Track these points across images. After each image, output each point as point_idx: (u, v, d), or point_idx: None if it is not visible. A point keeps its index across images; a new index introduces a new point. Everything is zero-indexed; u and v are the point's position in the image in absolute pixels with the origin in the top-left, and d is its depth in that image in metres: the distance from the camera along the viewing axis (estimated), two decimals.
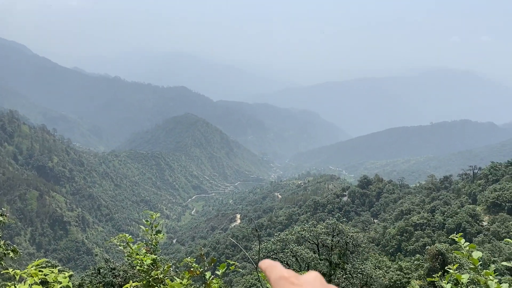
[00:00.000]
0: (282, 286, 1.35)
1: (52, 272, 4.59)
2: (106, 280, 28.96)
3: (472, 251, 5.70)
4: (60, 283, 4.60)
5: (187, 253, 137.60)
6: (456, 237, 6.26)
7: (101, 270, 30.08)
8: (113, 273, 29.41)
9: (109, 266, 30.30)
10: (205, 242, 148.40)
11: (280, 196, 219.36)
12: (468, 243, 5.98)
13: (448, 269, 7.06)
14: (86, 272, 34.63)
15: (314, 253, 35.08)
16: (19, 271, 4.86)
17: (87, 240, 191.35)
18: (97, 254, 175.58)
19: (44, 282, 4.77)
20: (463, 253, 5.98)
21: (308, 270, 32.95)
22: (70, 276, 5.20)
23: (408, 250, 77.96)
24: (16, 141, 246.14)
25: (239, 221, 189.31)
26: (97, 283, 28.48)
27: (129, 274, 28.59)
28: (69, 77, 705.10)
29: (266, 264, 1.52)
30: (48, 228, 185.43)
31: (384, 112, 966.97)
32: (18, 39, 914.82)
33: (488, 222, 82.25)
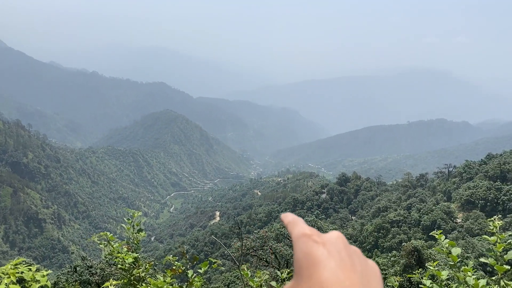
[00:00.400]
0: (305, 243, 1.29)
1: (30, 270, 4.46)
2: (82, 279, 28.47)
3: (451, 248, 5.81)
4: (38, 281, 4.48)
5: (165, 251, 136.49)
6: (437, 234, 6.37)
7: (78, 268, 29.54)
8: (90, 271, 28.90)
9: (86, 264, 29.77)
10: (184, 240, 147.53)
11: (259, 193, 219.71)
12: (448, 240, 6.09)
13: (427, 266, 7.17)
14: (62, 270, 33.98)
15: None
16: None
17: (63, 237, 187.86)
18: (73, 252, 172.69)
19: (21, 281, 4.63)
20: (443, 250, 6.07)
21: (287, 267, 33.13)
22: (47, 275, 5.08)
23: (384, 246, 79.18)
24: None
25: (218, 218, 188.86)
26: (73, 282, 27.95)
27: (106, 272, 28.13)
28: (45, 72, 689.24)
29: (289, 218, 1.43)
30: (22, 226, 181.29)
31: (362, 110, 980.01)
32: None
33: (462, 219, 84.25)
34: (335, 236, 1.36)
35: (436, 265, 6.87)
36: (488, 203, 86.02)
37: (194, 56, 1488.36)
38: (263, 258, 33.26)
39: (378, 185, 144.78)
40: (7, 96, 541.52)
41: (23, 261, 4.43)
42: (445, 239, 6.28)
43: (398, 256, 53.05)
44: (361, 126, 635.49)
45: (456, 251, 5.74)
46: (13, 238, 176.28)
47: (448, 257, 5.85)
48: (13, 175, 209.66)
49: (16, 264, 4.46)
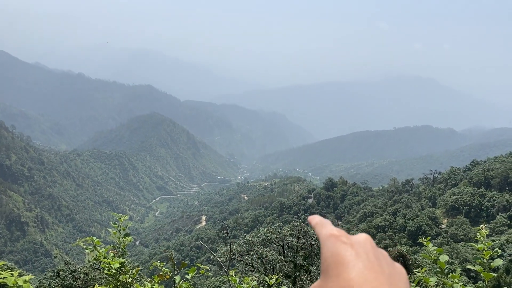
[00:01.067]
0: (333, 243, 1.33)
1: (12, 275, 4.38)
2: (65, 283, 27.93)
3: (439, 255, 5.82)
4: (21, 287, 4.40)
5: (150, 255, 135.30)
6: (425, 241, 6.38)
7: (61, 273, 29.01)
8: (73, 275, 28.40)
9: (69, 268, 29.26)
10: (169, 244, 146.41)
11: (246, 198, 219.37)
12: (436, 247, 6.10)
13: (416, 273, 7.16)
14: (45, 275, 33.34)
15: (280, 255, 35.16)
16: None
17: (46, 241, 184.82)
18: (56, 256, 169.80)
19: (2, 286, 4.52)
20: (431, 256, 6.08)
21: (273, 272, 33.05)
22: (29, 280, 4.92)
23: None
24: None
25: (204, 223, 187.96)
26: (56, 286, 27.42)
27: (90, 277, 27.71)
28: (30, 73, 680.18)
29: (317, 220, 1.48)
30: (4, 229, 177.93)
31: (349, 115, 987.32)
32: None
33: (447, 225, 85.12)
34: (363, 238, 1.41)
35: (424, 271, 6.89)
36: (473, 209, 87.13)
37: (181, 59, 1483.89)
38: (250, 263, 33.11)
39: (364, 191, 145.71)
40: None
41: (4, 264, 4.39)
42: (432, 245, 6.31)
43: None
44: (348, 132, 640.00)
45: (444, 258, 5.76)
46: None
47: (434, 263, 5.87)
48: None
49: None
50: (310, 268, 34.23)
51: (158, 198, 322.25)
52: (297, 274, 34.05)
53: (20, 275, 4.46)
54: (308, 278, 32.97)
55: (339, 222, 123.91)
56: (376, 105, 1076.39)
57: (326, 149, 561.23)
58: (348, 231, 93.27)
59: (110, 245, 6.32)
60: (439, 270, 5.82)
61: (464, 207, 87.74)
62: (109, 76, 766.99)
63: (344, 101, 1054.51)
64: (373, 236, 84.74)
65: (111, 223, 6.15)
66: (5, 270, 4.30)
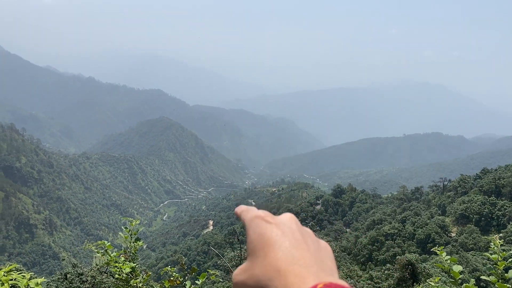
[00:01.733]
0: (257, 224, 1.32)
1: (24, 277, 4.37)
2: (73, 286, 27.92)
3: (453, 265, 5.69)
4: None
5: (157, 259, 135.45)
6: (438, 250, 6.24)
7: (68, 275, 29.07)
8: (80, 278, 28.39)
9: (76, 271, 29.30)
10: (176, 249, 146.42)
11: (254, 203, 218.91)
12: (449, 257, 5.96)
13: (429, 282, 7.03)
14: (52, 277, 33.42)
15: None
16: None
17: (54, 244, 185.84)
18: (64, 259, 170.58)
19: None
20: (444, 266, 5.95)
21: None
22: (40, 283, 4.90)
23: (378, 259, 78.81)
24: None
25: (211, 227, 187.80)
26: None
27: (97, 280, 27.70)
28: (41, 76, 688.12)
29: (242, 208, 1.48)
30: (13, 231, 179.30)
31: (358, 122, 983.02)
32: None
33: (456, 234, 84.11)
34: (288, 217, 1.38)
35: (429, 278, 6.77)
36: (483, 218, 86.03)
37: (191, 64, 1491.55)
38: None
39: (373, 198, 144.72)
40: (2, 99, 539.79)
41: (16, 268, 4.38)
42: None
43: (392, 270, 52.75)
44: (357, 138, 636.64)
45: (458, 268, 5.69)
46: (3, 243, 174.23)
47: (445, 273, 5.75)
48: (5, 179, 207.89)
49: (9, 271, 4.43)
50: None
51: (166, 202, 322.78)
52: None
53: (31, 278, 4.49)
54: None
55: (347, 229, 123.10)
56: (385, 112, 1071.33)
57: (334, 155, 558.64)
58: (357, 238, 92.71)
59: (121, 249, 6.28)
60: (452, 280, 5.69)
61: (474, 216, 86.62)
62: (119, 80, 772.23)
63: (353, 107, 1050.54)
64: (382, 244, 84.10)
65: (122, 227, 6.11)
66: (16, 273, 4.34)
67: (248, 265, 1.28)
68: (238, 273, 1.32)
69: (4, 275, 4.19)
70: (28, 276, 4.39)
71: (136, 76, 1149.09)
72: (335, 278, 1.24)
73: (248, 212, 1.41)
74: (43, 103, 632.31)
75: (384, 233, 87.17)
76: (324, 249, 1.35)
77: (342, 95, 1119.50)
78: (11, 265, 4.68)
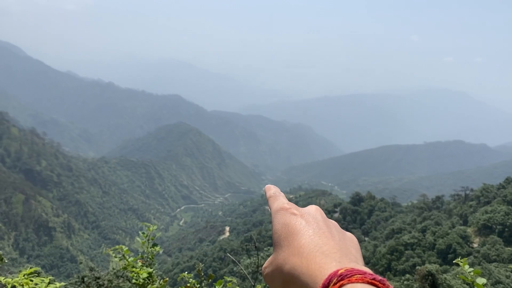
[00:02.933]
0: (282, 215, 1.34)
1: (43, 281, 4.39)
2: None
3: (476, 278, 5.41)
4: None
5: (173, 265, 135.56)
6: (461, 261, 5.83)
7: (85, 279, 29.03)
8: (97, 282, 28.34)
9: (93, 274, 29.25)
10: (192, 254, 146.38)
11: (270, 210, 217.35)
12: (472, 269, 5.61)
13: None
14: (70, 280, 33.50)
15: None
16: (10, 279, 4.70)
17: (72, 247, 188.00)
18: (81, 262, 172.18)
19: None
20: (467, 278, 5.59)
21: None
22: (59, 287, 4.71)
23: (398, 269, 77.24)
24: (5, 143, 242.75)
25: (228, 233, 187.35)
26: None
27: (113, 284, 27.59)
28: (62, 81, 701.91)
29: (271, 191, 1.49)
30: (32, 233, 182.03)
31: (377, 129, 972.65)
32: (12, 40, 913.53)
33: (479, 244, 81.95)
34: (314, 209, 1.42)
35: None
36: (506, 229, 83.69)
37: (209, 69, 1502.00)
38: None
39: (392, 206, 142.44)
40: (24, 103, 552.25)
41: (35, 271, 4.43)
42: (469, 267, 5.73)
43: (412, 280, 51.53)
44: (376, 145, 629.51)
45: (482, 280, 5.77)
46: (23, 246, 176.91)
47: (466, 284, 5.77)
48: (25, 182, 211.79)
49: (29, 274, 4.46)
50: None
51: (183, 207, 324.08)
52: None
53: (50, 282, 4.52)
54: None
55: (366, 238, 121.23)
56: (406, 119, 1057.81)
57: (353, 163, 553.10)
58: (375, 247, 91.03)
59: (138, 253, 5.92)
60: None
61: (498, 226, 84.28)
62: (138, 85, 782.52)
63: (372, 114, 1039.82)
64: (401, 254, 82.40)
65: (140, 232, 5.75)
66: (36, 277, 4.38)
67: (274, 256, 1.32)
68: (266, 266, 1.38)
69: (24, 277, 4.24)
70: (47, 281, 4.40)
71: (155, 81, 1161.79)
72: (358, 265, 1.27)
73: (276, 200, 1.44)
74: (63, 108, 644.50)
75: (403, 243, 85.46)
76: (349, 240, 1.37)
77: (360, 101, 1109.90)
78: (31, 268, 4.51)
